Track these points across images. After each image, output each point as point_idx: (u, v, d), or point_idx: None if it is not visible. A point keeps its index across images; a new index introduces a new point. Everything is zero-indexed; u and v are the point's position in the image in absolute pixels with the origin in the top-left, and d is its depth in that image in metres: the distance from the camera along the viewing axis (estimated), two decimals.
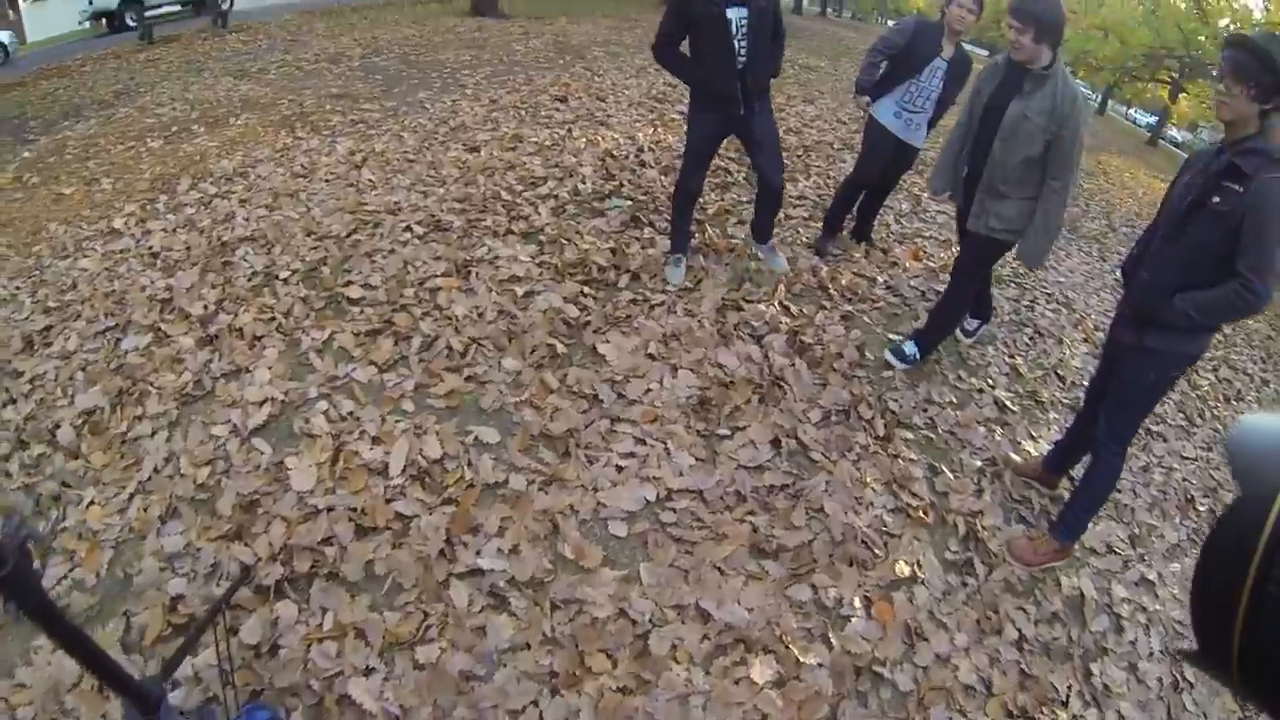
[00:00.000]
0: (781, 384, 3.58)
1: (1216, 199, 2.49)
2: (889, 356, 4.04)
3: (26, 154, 7.59)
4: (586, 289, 4.01)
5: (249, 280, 4.09)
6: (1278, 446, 0.48)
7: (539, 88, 8.58)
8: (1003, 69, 3.45)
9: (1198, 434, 4.80)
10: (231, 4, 16.05)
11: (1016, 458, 3.70)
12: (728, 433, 3.23)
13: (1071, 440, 3.46)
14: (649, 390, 3.36)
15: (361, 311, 3.71)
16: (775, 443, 3.22)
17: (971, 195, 3.58)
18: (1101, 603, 3.11)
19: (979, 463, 3.57)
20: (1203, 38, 22.61)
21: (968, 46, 4.58)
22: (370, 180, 5.34)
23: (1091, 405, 3.28)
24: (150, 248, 4.65)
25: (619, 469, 2.91)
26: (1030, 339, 4.98)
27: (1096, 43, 27.30)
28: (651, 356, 3.56)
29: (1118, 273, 3.29)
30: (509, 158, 5.82)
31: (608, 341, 3.59)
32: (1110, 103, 37.79)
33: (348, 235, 4.46)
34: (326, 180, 5.37)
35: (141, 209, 5.30)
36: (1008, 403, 4.13)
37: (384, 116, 7.16)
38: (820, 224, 5.26)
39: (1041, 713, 2.54)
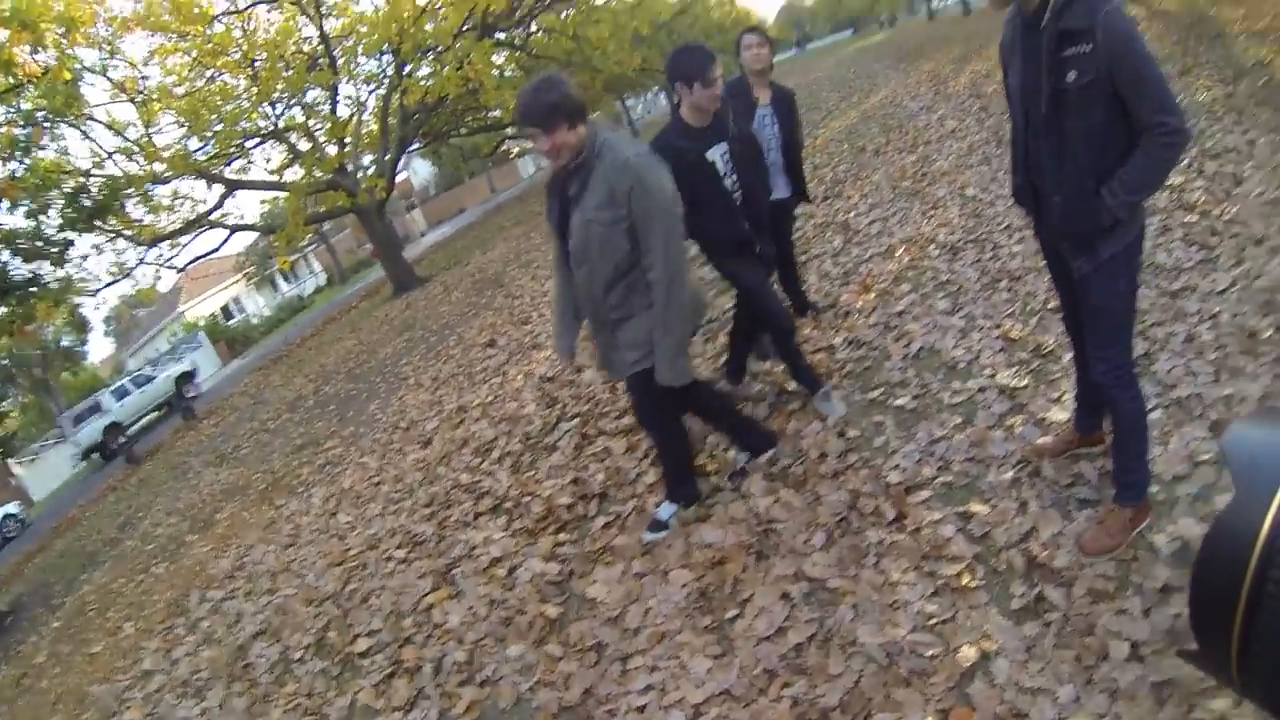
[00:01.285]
0: (772, 528, 3.48)
1: (1072, 74, 2.23)
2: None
3: (56, 623, 7.98)
4: (561, 536, 4.15)
5: (270, 673, 4.26)
6: (1274, 448, 0.47)
7: (469, 342, 9.02)
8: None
9: (1220, 254, 4.26)
10: (196, 393, 16.95)
11: (1045, 439, 3.28)
12: (736, 611, 3.13)
13: (1084, 386, 3.03)
14: (648, 610, 3.38)
15: (372, 661, 3.84)
16: (785, 595, 3.08)
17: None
18: None
19: (1010, 474, 3.21)
20: None
21: None
22: (348, 523, 5.61)
23: (1076, 338, 2.90)
24: (180, 677, 4.85)
25: (641, 710, 2.93)
26: (1008, 290, 4.79)
27: None
28: (639, 573, 3.61)
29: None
30: (459, 435, 6.13)
31: (595, 581, 3.68)
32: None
33: (343, 589, 4.66)
34: (311, 541, 5.64)
35: (163, 640, 5.55)
36: (1013, 382, 3.83)
37: (345, 448, 7.55)
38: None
39: (1195, 712, 2.04)
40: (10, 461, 26.35)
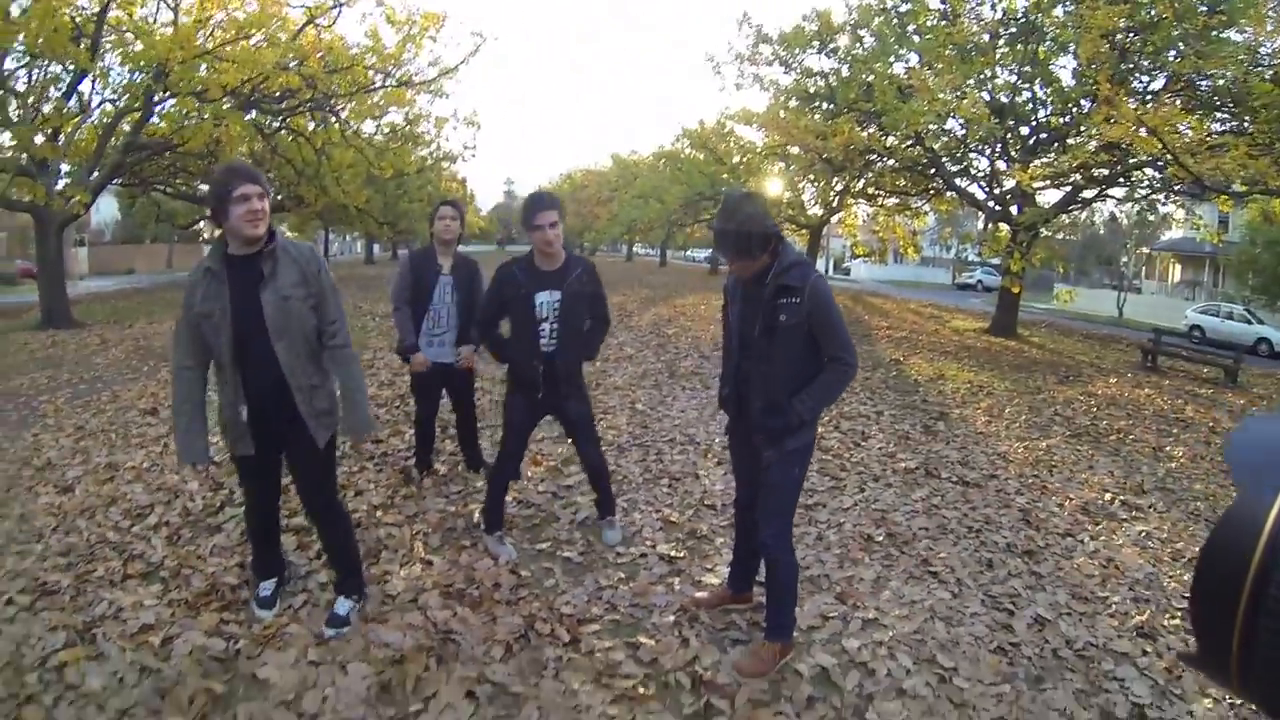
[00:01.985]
0: (452, 637, 3.68)
1: (784, 316, 3.18)
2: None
3: None
4: (226, 615, 3.90)
5: None
6: (1275, 451, 0.47)
7: (126, 403, 8.27)
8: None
9: (846, 484, 6.14)
10: None
11: (702, 594, 4.11)
12: (420, 706, 3.23)
13: (741, 555, 3.96)
14: (325, 697, 3.29)
15: None
16: (470, 695, 3.27)
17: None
18: (843, 663, 3.57)
19: (672, 617, 3.93)
20: (725, 175, 27.45)
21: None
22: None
23: (745, 515, 3.78)
24: None
25: None
26: (669, 487, 5.75)
27: (640, 209, 32.36)
28: (314, 661, 3.51)
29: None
30: (107, 491, 5.56)
31: (265, 664, 3.49)
32: (669, 252, 44.68)
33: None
34: None
35: None
36: (672, 553, 4.70)
37: None
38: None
39: None
40: None
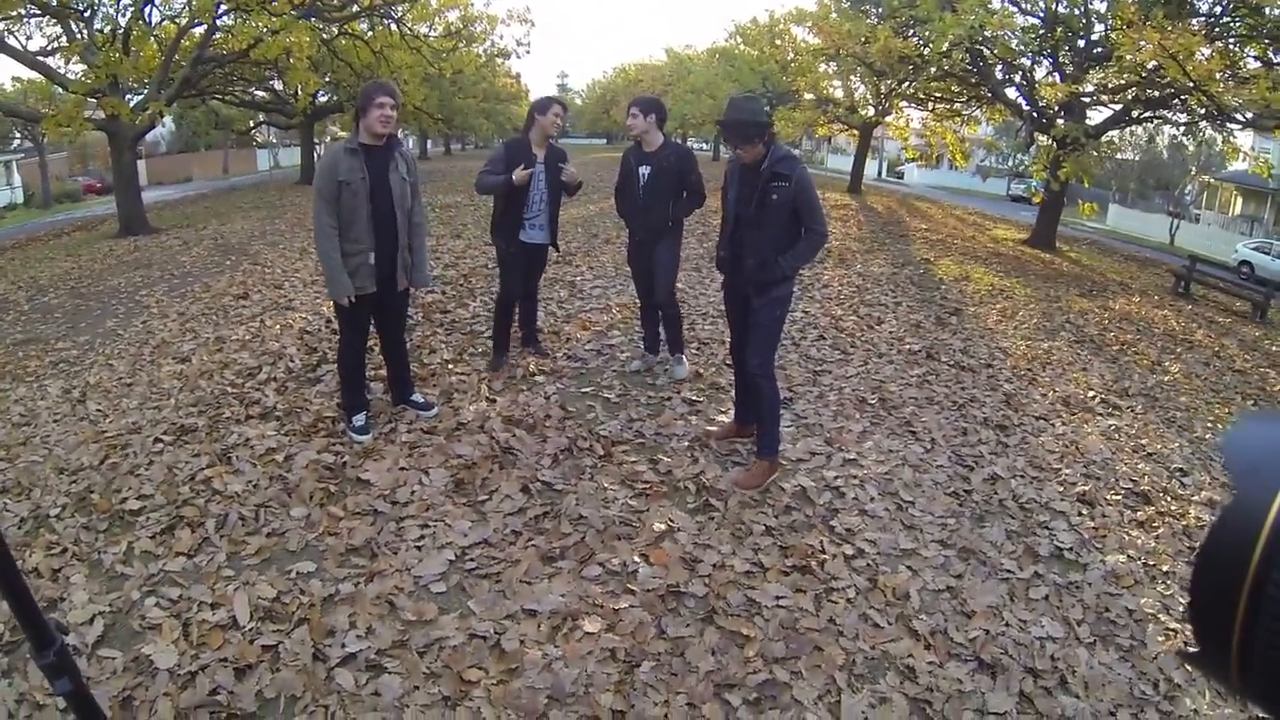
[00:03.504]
0: (511, 450, 4.61)
1: (775, 195, 4.07)
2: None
3: None
4: (331, 440, 4.76)
5: (20, 527, 4.30)
6: (1274, 447, 0.48)
7: (219, 291, 9.13)
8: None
9: (853, 357, 7.01)
10: None
11: (713, 428, 5.04)
12: (486, 496, 4.15)
13: (742, 394, 4.80)
14: (414, 490, 4.20)
15: (147, 518, 4.12)
16: (525, 489, 4.21)
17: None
18: (819, 486, 4.45)
19: (687, 443, 4.88)
20: (778, 72, 27.02)
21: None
22: (99, 410, 5.69)
23: (739, 355, 4.64)
24: None
25: (419, 548, 3.70)
26: (698, 350, 6.66)
27: (693, 104, 32.04)
28: (404, 468, 4.41)
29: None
30: (219, 358, 6.41)
31: (366, 470, 4.36)
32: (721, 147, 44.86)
33: (101, 462, 4.81)
34: (55, 421, 5.65)
35: None
36: (695, 397, 5.63)
37: (82, 352, 7.41)
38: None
39: (812, 563, 3.69)
40: None
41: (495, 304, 6.12)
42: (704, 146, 53.47)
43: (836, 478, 4.59)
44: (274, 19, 15.35)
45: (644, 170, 5.44)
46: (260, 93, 27.88)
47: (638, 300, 6.26)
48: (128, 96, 16.19)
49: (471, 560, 3.63)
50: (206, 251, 12.53)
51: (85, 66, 15.28)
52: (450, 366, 6.07)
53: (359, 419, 4.87)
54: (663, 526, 3.93)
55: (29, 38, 16.68)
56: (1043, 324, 9.81)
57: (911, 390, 6.30)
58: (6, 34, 16.11)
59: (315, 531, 3.85)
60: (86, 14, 16.40)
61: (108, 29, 16.32)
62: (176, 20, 17.20)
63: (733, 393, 5.33)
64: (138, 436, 5.06)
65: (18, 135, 39.20)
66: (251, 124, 32.80)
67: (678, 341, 5.95)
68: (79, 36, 15.84)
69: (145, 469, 4.63)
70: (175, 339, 7.31)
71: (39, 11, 16.14)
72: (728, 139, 4.38)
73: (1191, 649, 0.48)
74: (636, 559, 3.64)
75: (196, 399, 5.56)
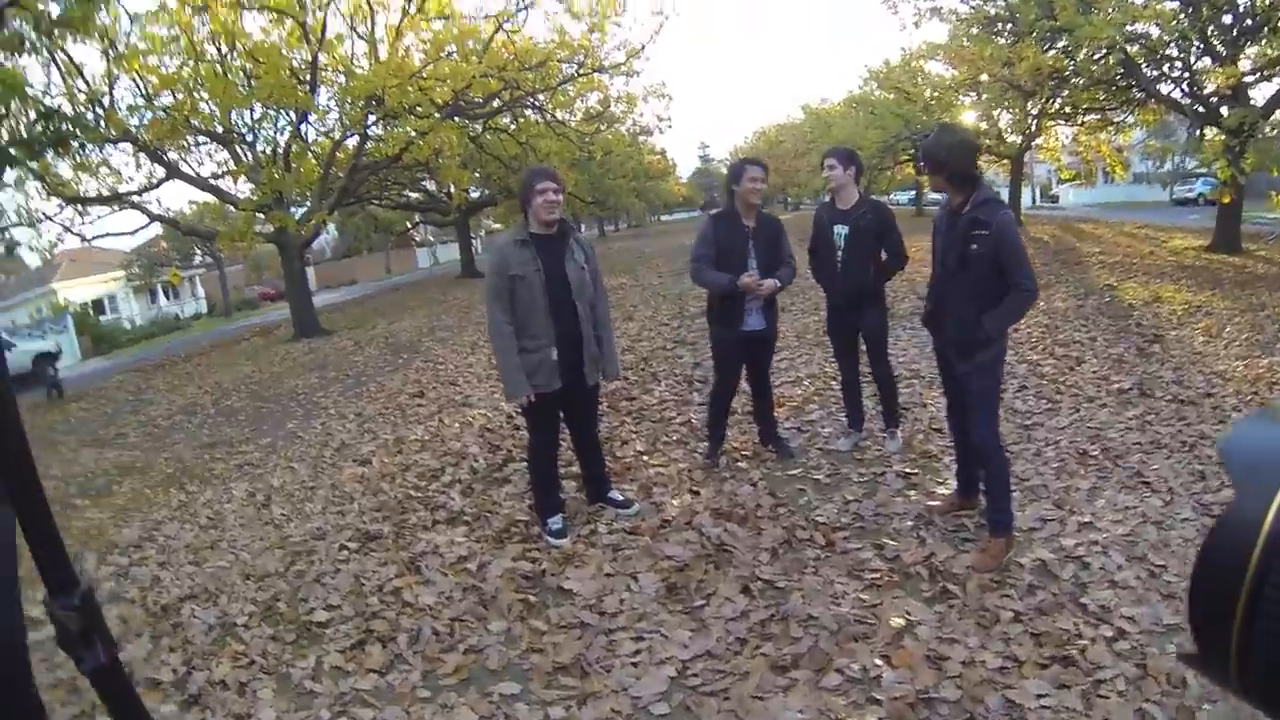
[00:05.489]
0: (725, 547, 4.14)
1: (975, 245, 3.61)
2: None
3: None
4: (526, 546, 4.41)
5: (208, 635, 4.14)
6: (1273, 447, 0.47)
7: (394, 390, 9.15)
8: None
9: (1061, 405, 6.24)
10: (58, 372, 15.90)
11: (934, 502, 4.51)
12: (703, 601, 3.68)
13: (964, 463, 4.34)
14: (623, 598, 3.77)
15: (336, 630, 3.88)
16: (745, 590, 3.72)
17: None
18: (1060, 557, 3.81)
19: (910, 522, 4.34)
20: (919, 114, 26.36)
21: None
22: (283, 514, 5.59)
23: (957, 424, 4.23)
24: None
25: (634, 664, 3.26)
26: (908, 421, 5.97)
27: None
28: (609, 574, 3.99)
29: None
30: (400, 460, 6.27)
31: (569, 578, 3.97)
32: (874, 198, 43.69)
33: (287, 569, 4.65)
34: (241, 525, 5.57)
35: None
36: (908, 470, 5.08)
37: (265, 454, 7.47)
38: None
39: (1069, 650, 3.11)
40: None
41: (710, 396, 5.46)
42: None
43: (1076, 545, 3.93)
44: (421, 122, 16.12)
45: (840, 230, 5.02)
46: (415, 194, 29.35)
47: (832, 371, 5.83)
48: (292, 209, 17.29)
49: (695, 675, 3.17)
50: (378, 351, 12.82)
51: (252, 185, 16.43)
52: (645, 459, 5.69)
53: (555, 522, 4.52)
54: (900, 621, 3.39)
55: (200, 164, 18.07)
56: (1254, 338, 8.60)
57: (1133, 435, 5.51)
58: (180, 162, 17.52)
59: (517, 648, 3.48)
60: (249, 139, 17.86)
61: (269, 150, 17.79)
62: (330, 135, 18.39)
63: (948, 461, 4.91)
64: (322, 543, 4.90)
65: (198, 252, 42.46)
66: (409, 224, 34.56)
67: (893, 413, 5.44)
68: (244, 159, 17.31)
69: (332, 577, 4.43)
70: (354, 440, 7.26)
71: (207, 139, 17.58)
72: (927, 169, 3.92)
73: (1191, 651, 0.47)
74: (878, 662, 3.12)
75: (380, 503, 5.37)
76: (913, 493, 4.74)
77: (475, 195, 28.74)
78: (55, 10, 11.00)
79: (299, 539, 5.06)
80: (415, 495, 5.40)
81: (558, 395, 4.35)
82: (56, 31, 11.52)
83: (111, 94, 15.03)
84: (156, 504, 6.60)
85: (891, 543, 4.11)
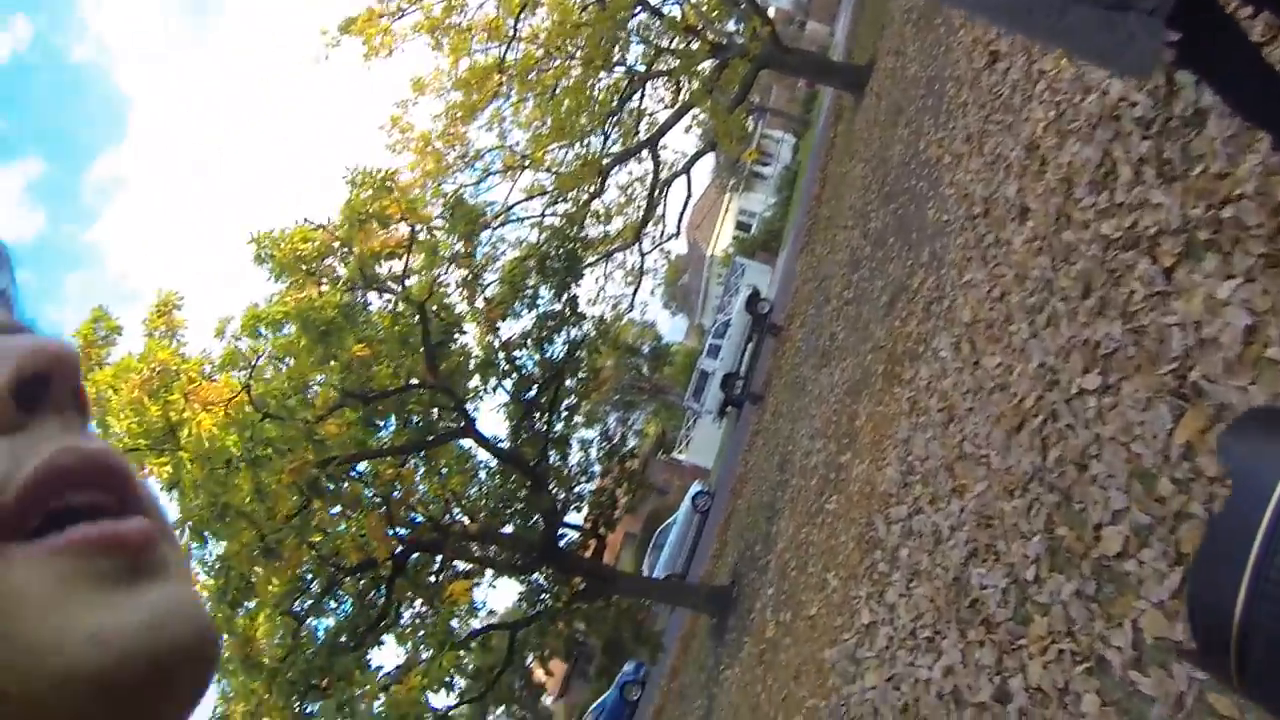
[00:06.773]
0: None
1: None
2: None
3: (769, 589, 7.96)
4: None
5: (1004, 607, 3.08)
6: (1271, 447, 0.45)
7: (970, 76, 6.56)
8: None
9: None
10: (770, 308, 16.52)
11: None
12: None
13: None
14: None
15: (1139, 564, 2.39)
16: None
17: None
18: None
19: None
20: None
21: None
22: (999, 365, 4.02)
23: None
24: (904, 626, 4.03)
25: None
26: None
27: None
28: None
29: None
30: (1049, 181, 4.04)
31: None
32: None
33: (1043, 459, 3.20)
34: (970, 407, 4.24)
35: (870, 584, 4.76)
36: None
37: (935, 277, 5.73)
38: None
39: None
40: (674, 455, 29.84)
41: None
42: None
43: None
44: None
45: None
46: None
47: None
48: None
49: None
50: (919, 49, 9.63)
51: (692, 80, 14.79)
52: None
53: None
54: None
55: (661, 100, 16.84)
56: None
57: None
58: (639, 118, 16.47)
59: None
60: None
61: None
62: None
63: None
64: (1056, 392, 3.31)
65: None
66: None
67: None
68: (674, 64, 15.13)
69: (1094, 451, 2.88)
70: (990, 189, 5.00)
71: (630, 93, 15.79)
72: None
73: (1190, 647, 0.50)
74: None
75: (1080, 274, 3.43)
76: None
77: None
78: None
79: (1031, 396, 3.56)
80: (1107, 235, 3.29)
81: None
82: None
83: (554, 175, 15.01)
84: (893, 417, 5.64)
85: None
